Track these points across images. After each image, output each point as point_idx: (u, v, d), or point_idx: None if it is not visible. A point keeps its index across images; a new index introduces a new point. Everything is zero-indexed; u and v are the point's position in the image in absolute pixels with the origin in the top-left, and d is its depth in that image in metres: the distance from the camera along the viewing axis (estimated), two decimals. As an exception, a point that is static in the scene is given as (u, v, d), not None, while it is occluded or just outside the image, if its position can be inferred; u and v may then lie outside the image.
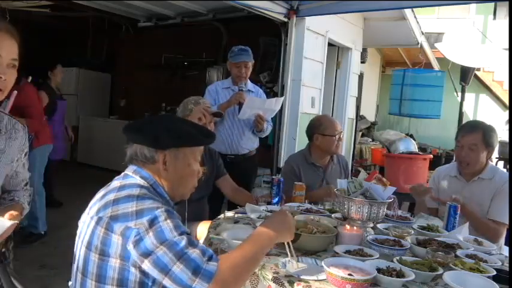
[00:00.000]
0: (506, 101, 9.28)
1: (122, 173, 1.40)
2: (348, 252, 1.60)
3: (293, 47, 4.72)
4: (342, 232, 1.77)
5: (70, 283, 1.34)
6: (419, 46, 6.90)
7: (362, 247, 1.66)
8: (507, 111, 9.11)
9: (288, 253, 1.49)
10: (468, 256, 1.66)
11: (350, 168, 4.39)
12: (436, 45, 7.77)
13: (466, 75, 7.45)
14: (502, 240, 2.35)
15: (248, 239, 1.33)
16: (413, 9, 6.02)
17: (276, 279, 1.40)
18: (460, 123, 7.01)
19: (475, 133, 2.37)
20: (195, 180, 1.46)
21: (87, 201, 1.37)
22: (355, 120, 6.71)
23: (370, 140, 8.12)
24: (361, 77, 6.86)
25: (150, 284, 1.22)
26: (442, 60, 8.02)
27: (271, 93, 5.28)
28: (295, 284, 1.37)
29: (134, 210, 1.21)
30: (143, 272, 1.21)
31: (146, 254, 1.17)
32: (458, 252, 1.70)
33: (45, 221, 3.89)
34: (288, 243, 1.49)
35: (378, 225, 1.98)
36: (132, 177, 1.36)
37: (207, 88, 3.46)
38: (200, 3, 5.57)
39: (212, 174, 2.58)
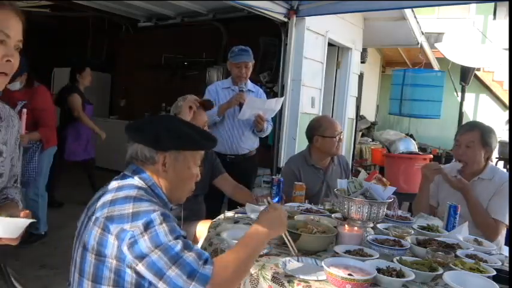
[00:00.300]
0: (506, 101, 9.29)
1: (121, 173, 1.40)
2: (348, 252, 1.59)
3: (293, 47, 4.72)
4: (342, 232, 1.77)
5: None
6: (419, 46, 6.90)
7: (362, 247, 1.66)
8: (507, 111, 9.11)
9: (288, 245, 1.49)
10: (468, 256, 1.66)
11: (350, 168, 4.39)
12: (436, 45, 7.78)
13: (466, 75, 7.46)
14: (502, 240, 2.35)
15: (242, 240, 1.34)
16: (413, 9, 6.02)
17: (276, 279, 1.40)
18: (460, 123, 7.02)
19: (473, 132, 2.40)
20: (192, 184, 1.46)
21: (87, 201, 1.37)
22: (355, 120, 6.71)
23: (370, 140, 8.12)
24: (361, 77, 6.86)
25: (146, 285, 1.22)
26: (442, 60, 8.03)
27: (271, 93, 5.28)
28: (295, 284, 1.37)
29: (130, 212, 1.21)
30: (139, 274, 1.21)
31: (140, 257, 1.17)
32: (458, 252, 1.70)
33: (46, 222, 3.89)
34: (285, 235, 1.50)
35: (378, 225, 1.98)
36: (130, 177, 1.36)
37: (207, 88, 3.46)
38: (200, 3, 5.57)
39: (208, 174, 2.57)
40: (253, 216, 2.01)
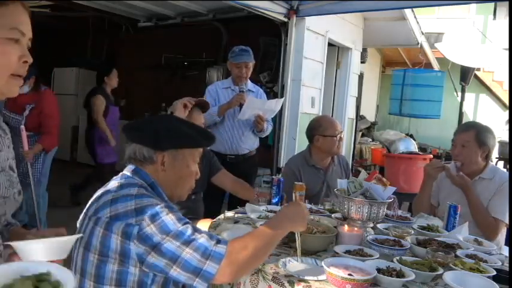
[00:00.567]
0: (506, 101, 9.28)
1: (120, 173, 1.40)
2: (348, 252, 1.60)
3: (293, 47, 4.72)
4: (342, 232, 1.77)
5: None
6: (419, 46, 6.90)
7: (362, 247, 1.66)
8: (507, 111, 9.11)
9: (297, 247, 1.50)
10: (468, 256, 1.66)
11: (350, 168, 4.39)
12: (436, 45, 7.78)
13: (466, 75, 7.46)
14: (502, 240, 2.35)
15: (262, 225, 1.34)
16: (413, 9, 6.01)
17: (276, 279, 1.41)
18: (460, 123, 7.02)
19: (468, 132, 2.41)
20: (192, 182, 1.47)
21: (87, 201, 1.37)
22: (355, 120, 6.71)
23: (370, 140, 8.12)
24: (361, 77, 6.85)
25: (149, 283, 1.23)
26: (442, 60, 8.02)
27: (271, 93, 5.27)
28: (295, 284, 1.37)
29: (134, 208, 1.21)
30: (143, 271, 1.21)
31: (152, 246, 1.17)
32: (458, 252, 1.70)
33: (46, 222, 3.89)
34: (298, 236, 1.50)
35: (378, 225, 1.98)
36: (130, 177, 1.36)
37: (207, 88, 3.46)
38: (200, 3, 5.57)
39: (206, 171, 2.57)
40: (253, 216, 2.01)
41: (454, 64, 7.40)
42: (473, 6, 9.68)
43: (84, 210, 1.34)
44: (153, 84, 7.20)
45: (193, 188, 1.48)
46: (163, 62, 7.22)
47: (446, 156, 7.28)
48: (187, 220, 1.25)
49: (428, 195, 2.48)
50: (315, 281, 1.39)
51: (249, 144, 3.40)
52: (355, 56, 6.19)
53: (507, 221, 2.29)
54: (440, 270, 1.47)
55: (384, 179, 1.89)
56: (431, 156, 7.23)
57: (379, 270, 1.41)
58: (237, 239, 1.26)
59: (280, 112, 4.59)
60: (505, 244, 2.32)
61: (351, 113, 6.33)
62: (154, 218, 1.19)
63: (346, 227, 1.80)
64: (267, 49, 5.70)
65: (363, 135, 8.13)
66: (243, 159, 3.36)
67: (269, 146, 4.96)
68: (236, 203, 2.55)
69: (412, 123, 9.61)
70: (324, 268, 1.38)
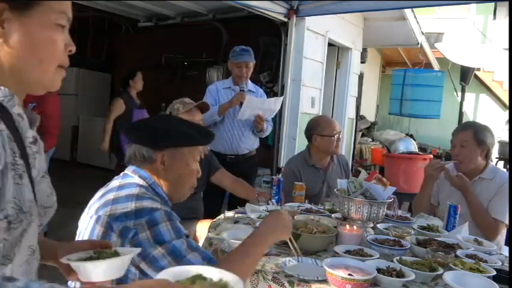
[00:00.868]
0: (506, 101, 9.28)
1: (121, 173, 1.41)
2: (348, 252, 1.60)
3: (293, 47, 4.71)
4: (342, 232, 1.77)
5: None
6: (419, 46, 6.90)
7: (362, 247, 1.66)
8: (507, 111, 9.11)
9: (292, 249, 1.49)
10: (468, 256, 1.66)
11: (350, 167, 4.39)
12: (436, 45, 7.78)
13: (466, 75, 7.46)
14: (502, 240, 2.35)
15: (245, 242, 1.32)
16: (413, 9, 6.02)
17: (276, 279, 1.40)
18: (460, 123, 7.02)
19: (466, 131, 2.42)
20: (194, 180, 1.46)
21: (87, 201, 1.37)
22: (355, 120, 6.71)
23: (370, 140, 8.12)
24: (361, 77, 6.85)
25: None
26: (442, 60, 8.02)
27: (271, 93, 5.27)
28: (295, 284, 1.37)
29: (133, 210, 1.21)
30: (142, 271, 1.21)
31: (143, 256, 1.17)
32: (458, 252, 1.70)
33: (48, 222, 3.89)
34: (290, 240, 1.50)
35: (378, 225, 1.98)
36: (131, 176, 1.36)
37: (208, 88, 3.46)
38: (200, 3, 5.57)
39: (205, 170, 2.57)
40: (253, 216, 2.01)
41: (454, 64, 7.40)
42: (473, 6, 9.67)
43: (86, 210, 1.34)
44: (153, 84, 7.18)
45: (194, 186, 1.48)
46: (163, 62, 7.22)
47: (446, 156, 7.28)
48: (184, 232, 1.25)
49: (429, 195, 2.48)
50: (315, 281, 1.38)
51: (249, 144, 3.40)
52: (355, 56, 6.19)
53: (507, 221, 2.29)
54: (440, 270, 1.47)
55: (384, 179, 1.89)
56: (431, 156, 7.23)
57: (379, 270, 1.41)
58: (225, 261, 1.25)
59: (280, 112, 4.59)
60: (505, 244, 2.32)
61: (351, 113, 6.33)
62: (151, 223, 1.19)
63: (346, 227, 1.80)
64: (267, 49, 5.70)
65: (363, 135, 8.13)
66: (243, 159, 3.36)
67: (269, 146, 4.96)
68: (236, 203, 2.55)
69: (412, 123, 9.61)
70: (324, 268, 1.38)
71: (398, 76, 7.64)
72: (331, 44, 5.59)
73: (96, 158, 7.35)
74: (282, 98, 3.69)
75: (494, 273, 1.49)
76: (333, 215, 2.12)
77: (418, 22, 6.44)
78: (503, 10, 9.39)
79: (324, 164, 2.81)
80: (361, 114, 7.86)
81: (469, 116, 9.24)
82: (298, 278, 1.39)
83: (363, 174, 1.98)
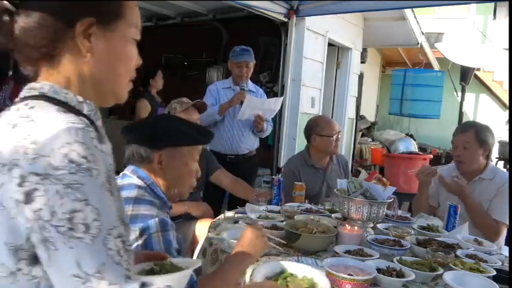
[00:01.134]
0: (506, 101, 9.28)
1: (121, 173, 1.41)
2: (348, 252, 1.60)
3: (293, 47, 4.71)
4: (342, 232, 1.77)
5: None
6: (419, 46, 6.89)
7: (362, 247, 1.66)
8: (507, 111, 9.11)
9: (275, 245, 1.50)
10: (468, 256, 1.66)
11: (350, 167, 4.39)
12: (436, 45, 7.78)
13: (466, 75, 7.46)
14: (502, 240, 2.35)
15: (223, 267, 1.26)
16: (413, 9, 6.01)
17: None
18: (460, 124, 7.01)
19: (468, 132, 2.41)
20: (192, 180, 1.46)
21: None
22: (355, 120, 6.70)
23: (370, 140, 8.12)
24: (361, 77, 6.85)
25: None
26: (442, 60, 8.02)
27: (271, 93, 5.27)
28: (295, 284, 1.36)
29: (128, 215, 1.21)
30: None
31: None
32: (458, 252, 1.70)
33: None
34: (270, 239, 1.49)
35: (378, 225, 1.98)
36: (130, 176, 1.36)
37: (208, 88, 3.46)
38: (200, 3, 5.56)
39: (204, 170, 2.57)
40: (253, 216, 2.01)
41: (454, 64, 7.40)
42: (473, 6, 9.67)
43: None
44: (153, 84, 7.19)
45: (194, 186, 1.48)
46: (163, 62, 7.22)
47: (446, 156, 7.28)
48: (175, 246, 1.24)
49: (426, 198, 2.49)
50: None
51: (249, 144, 3.39)
52: (355, 56, 6.19)
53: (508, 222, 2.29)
54: (440, 270, 1.47)
55: (384, 179, 1.89)
56: (431, 156, 7.23)
57: (379, 270, 1.41)
58: (206, 284, 1.18)
59: (280, 112, 4.59)
60: (505, 244, 2.33)
61: (351, 113, 6.33)
62: (144, 232, 1.20)
63: (346, 227, 1.80)
64: (267, 49, 5.70)
65: (363, 135, 8.13)
66: (243, 159, 3.36)
67: (269, 146, 4.95)
68: (236, 203, 2.55)
69: (412, 123, 9.61)
70: (324, 268, 1.38)
71: (398, 76, 7.64)
72: (331, 44, 5.59)
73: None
74: (282, 98, 3.69)
75: (494, 273, 1.49)
76: (333, 215, 2.12)
77: (418, 22, 6.43)
78: (503, 10, 9.40)
79: (323, 164, 2.80)
80: (361, 114, 7.86)
81: (469, 116, 9.24)
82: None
83: (363, 174, 1.98)
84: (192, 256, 2.14)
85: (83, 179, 0.67)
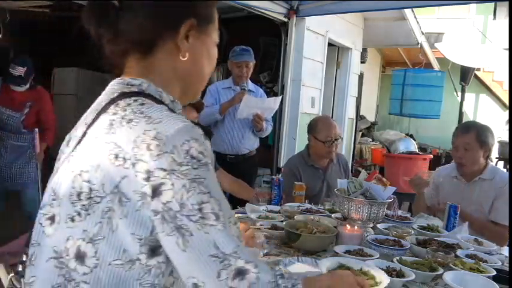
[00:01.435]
0: (506, 101, 9.29)
1: None
2: (348, 252, 1.60)
3: (293, 47, 4.71)
4: (342, 232, 1.77)
5: None
6: (419, 46, 6.89)
7: (362, 247, 1.66)
8: (507, 111, 9.11)
9: None
10: (468, 256, 1.66)
11: (350, 167, 4.38)
12: (436, 45, 7.78)
13: (466, 75, 7.46)
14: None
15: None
16: (413, 9, 6.02)
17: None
18: (460, 124, 7.01)
19: (469, 133, 2.40)
20: None
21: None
22: (355, 120, 6.70)
23: (370, 140, 8.12)
24: (361, 77, 6.85)
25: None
26: (442, 60, 8.02)
27: (271, 93, 5.27)
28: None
29: None
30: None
31: None
32: (458, 252, 1.70)
33: None
34: None
35: (378, 225, 1.98)
36: None
37: (208, 88, 3.46)
38: (200, 3, 5.56)
39: None
40: (253, 216, 2.01)
41: (454, 64, 7.40)
42: (473, 6, 9.67)
43: None
44: (153, 84, 7.19)
45: None
46: (163, 62, 7.22)
47: (446, 156, 7.28)
48: None
49: (424, 200, 2.49)
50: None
51: (249, 144, 3.39)
52: (355, 56, 6.19)
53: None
54: (440, 270, 1.47)
55: (384, 179, 1.89)
56: (431, 156, 7.23)
57: (379, 270, 1.41)
58: None
59: (280, 112, 4.59)
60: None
61: (351, 113, 6.33)
62: None
63: (346, 227, 1.80)
64: (267, 49, 5.70)
65: (363, 135, 8.13)
66: (243, 159, 3.35)
67: (269, 146, 4.95)
68: (236, 203, 2.55)
69: (412, 123, 9.61)
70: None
71: (399, 76, 7.63)
72: (331, 44, 5.59)
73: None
74: (280, 97, 3.68)
75: (494, 273, 1.49)
76: (333, 215, 2.12)
77: (418, 22, 6.44)
78: (503, 10, 9.40)
79: (323, 163, 2.80)
80: (361, 114, 7.86)
81: (469, 116, 9.24)
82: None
83: (363, 174, 1.99)
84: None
85: (203, 173, 0.73)
